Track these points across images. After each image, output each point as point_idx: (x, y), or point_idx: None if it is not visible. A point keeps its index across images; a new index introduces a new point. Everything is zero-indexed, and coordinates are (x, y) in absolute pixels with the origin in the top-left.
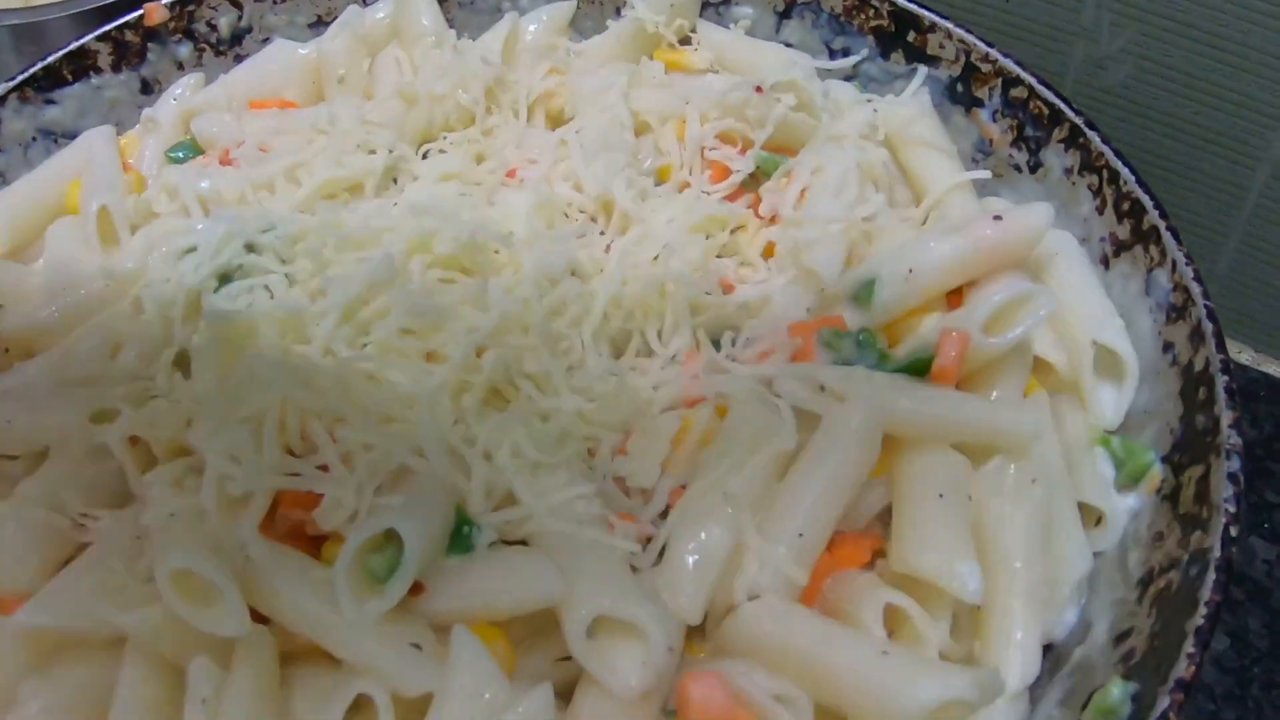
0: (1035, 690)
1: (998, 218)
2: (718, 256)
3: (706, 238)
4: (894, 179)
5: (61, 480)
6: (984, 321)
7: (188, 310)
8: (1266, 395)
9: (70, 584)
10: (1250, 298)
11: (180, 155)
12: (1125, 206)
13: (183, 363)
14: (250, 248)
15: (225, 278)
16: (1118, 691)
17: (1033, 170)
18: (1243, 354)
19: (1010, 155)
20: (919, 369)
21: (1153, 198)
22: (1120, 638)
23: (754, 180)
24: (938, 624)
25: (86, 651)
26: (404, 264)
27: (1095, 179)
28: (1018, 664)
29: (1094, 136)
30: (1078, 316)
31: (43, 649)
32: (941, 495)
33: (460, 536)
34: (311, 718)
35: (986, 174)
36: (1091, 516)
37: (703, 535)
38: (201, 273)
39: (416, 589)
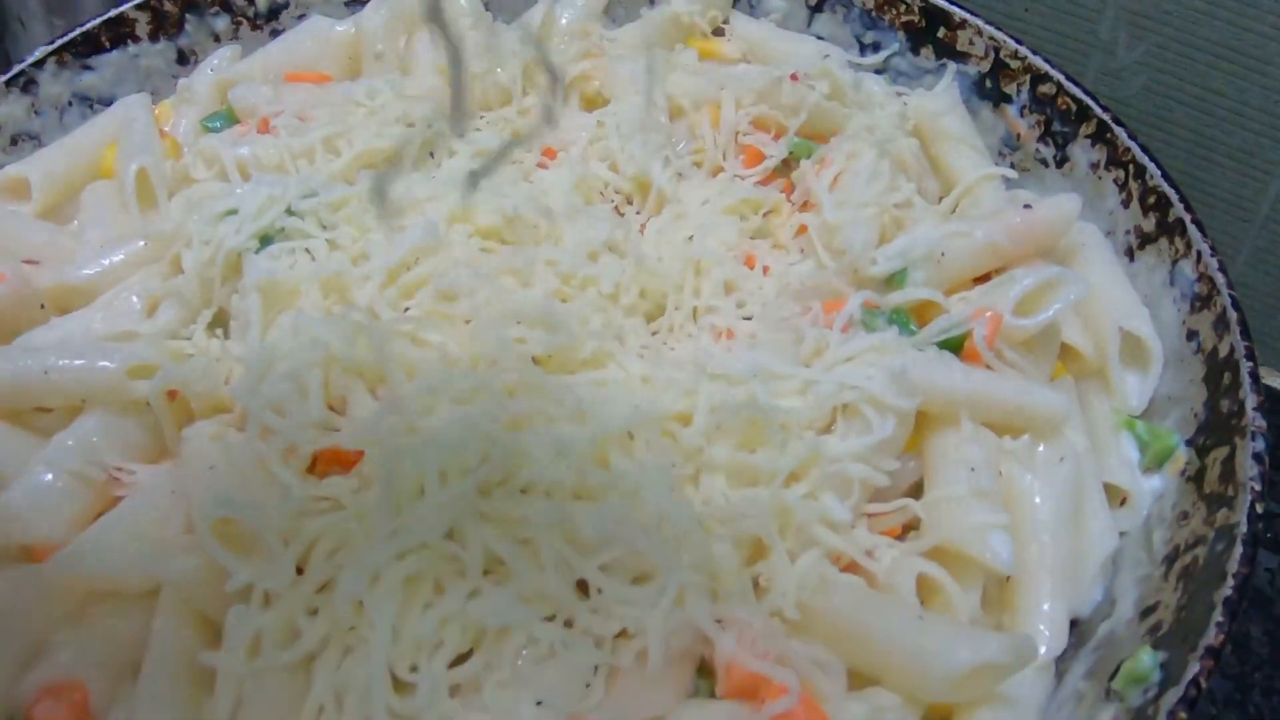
0: (1061, 664)
1: (1027, 206)
2: (750, 239)
3: (741, 220)
4: (923, 171)
5: (97, 433)
6: (1015, 303)
7: (227, 271)
8: (1269, 407)
9: (105, 535)
10: (1258, 310)
11: (216, 125)
12: (1151, 200)
13: (220, 323)
14: (291, 212)
15: (266, 240)
16: (1148, 659)
17: (1059, 165)
18: None
19: (1037, 150)
20: (951, 348)
21: (1178, 191)
22: (1146, 611)
23: (786, 167)
24: (968, 594)
25: (118, 604)
26: (446, 233)
27: (1121, 173)
28: (1046, 635)
29: (1120, 132)
30: (1104, 305)
31: (74, 600)
32: (973, 469)
33: None
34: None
35: (1013, 172)
36: (1116, 497)
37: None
38: (242, 234)
39: None
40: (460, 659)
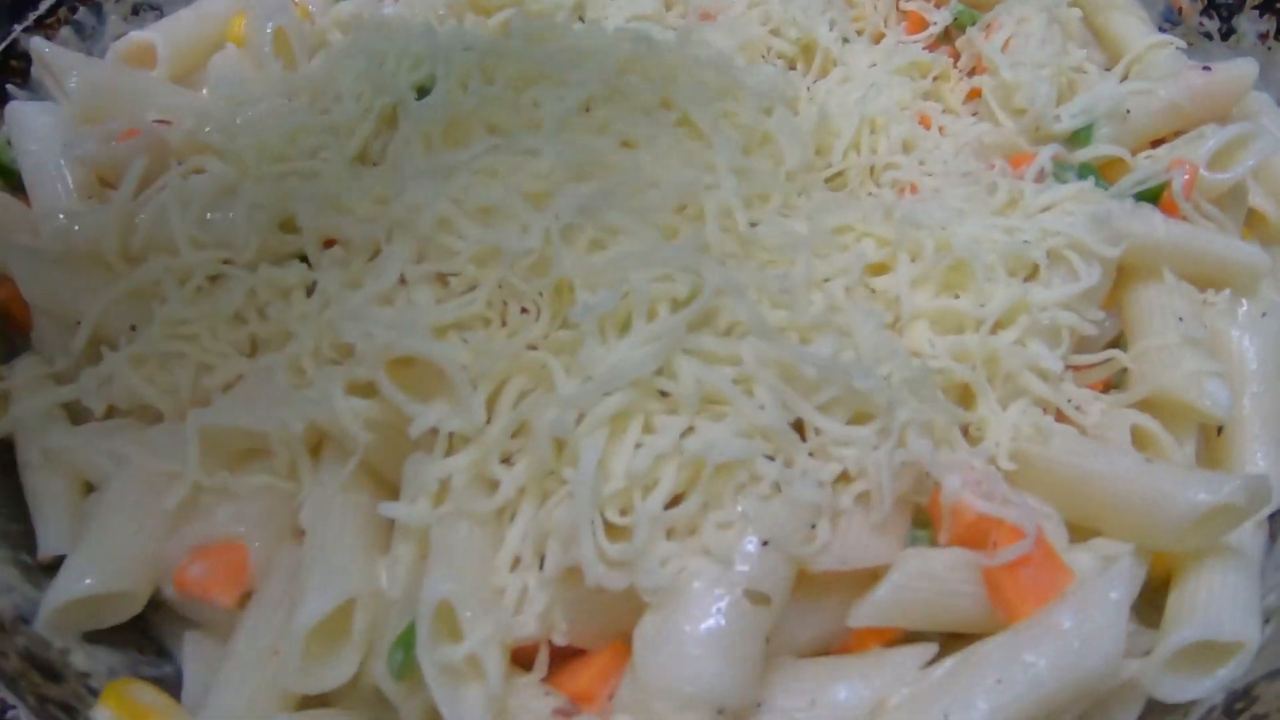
0: (1272, 523)
1: (1206, 68)
2: (922, 101)
3: (912, 81)
4: (1088, 40)
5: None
6: (1210, 156)
7: (381, 123)
8: None
9: (258, 386)
10: None
11: None
12: None
13: None
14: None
15: (423, 90)
16: None
17: (1224, 37)
18: None
19: (1200, 23)
20: (1148, 200)
21: None
22: None
23: (947, 36)
24: (1183, 447)
25: (280, 459)
26: (618, 81)
27: None
28: None
29: None
30: None
31: (228, 455)
32: (1181, 319)
33: None
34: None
35: (1181, 42)
36: None
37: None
38: (400, 84)
39: None
40: (672, 504)
